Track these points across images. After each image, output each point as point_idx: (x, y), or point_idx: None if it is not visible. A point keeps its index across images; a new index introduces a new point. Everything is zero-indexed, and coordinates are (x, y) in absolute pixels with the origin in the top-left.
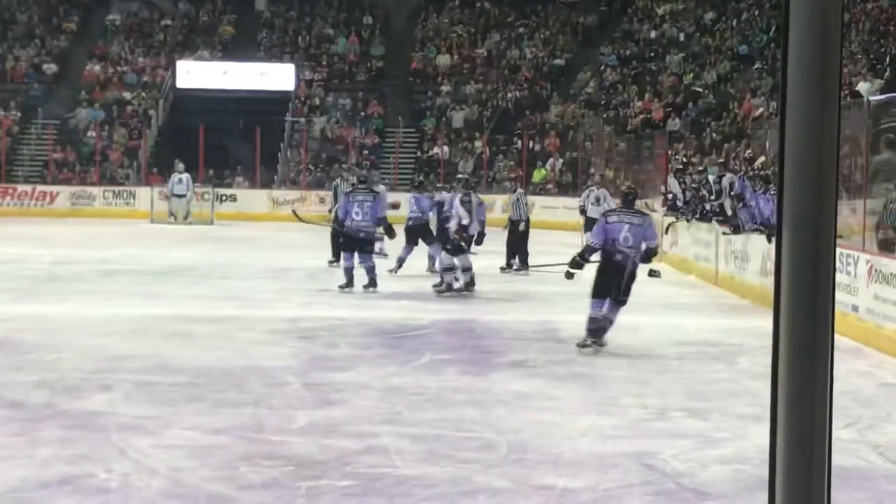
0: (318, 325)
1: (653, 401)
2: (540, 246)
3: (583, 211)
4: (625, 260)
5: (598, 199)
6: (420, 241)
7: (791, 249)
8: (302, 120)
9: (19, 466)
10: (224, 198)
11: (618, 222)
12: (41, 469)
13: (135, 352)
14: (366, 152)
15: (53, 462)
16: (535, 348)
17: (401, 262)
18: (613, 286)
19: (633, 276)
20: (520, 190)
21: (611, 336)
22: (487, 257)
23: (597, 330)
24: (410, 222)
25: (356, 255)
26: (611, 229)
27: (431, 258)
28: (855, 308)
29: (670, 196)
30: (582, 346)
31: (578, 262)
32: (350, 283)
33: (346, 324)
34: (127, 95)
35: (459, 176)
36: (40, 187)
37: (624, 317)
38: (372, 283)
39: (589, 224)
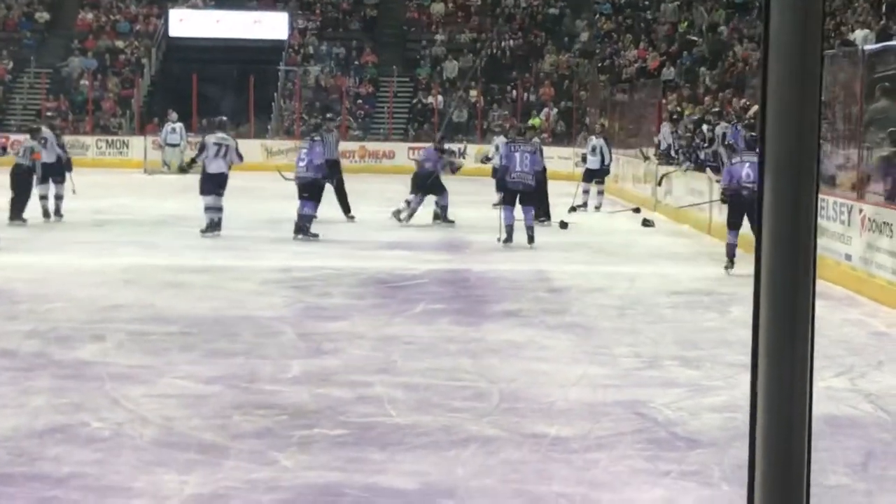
0: (312, 276)
1: (645, 350)
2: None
3: (584, 159)
4: (750, 194)
5: (594, 149)
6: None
7: (773, 197)
8: (296, 69)
9: (11, 416)
10: None
11: (740, 163)
12: (33, 418)
13: (128, 301)
14: (360, 101)
15: (45, 411)
16: (528, 298)
17: (412, 211)
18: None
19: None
20: (536, 140)
21: (604, 285)
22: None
23: (732, 255)
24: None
25: (518, 208)
26: (734, 170)
27: (444, 208)
28: (848, 257)
29: (664, 145)
30: (727, 267)
31: (724, 199)
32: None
33: (340, 273)
34: (120, 44)
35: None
36: None
37: (617, 267)
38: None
39: (588, 175)
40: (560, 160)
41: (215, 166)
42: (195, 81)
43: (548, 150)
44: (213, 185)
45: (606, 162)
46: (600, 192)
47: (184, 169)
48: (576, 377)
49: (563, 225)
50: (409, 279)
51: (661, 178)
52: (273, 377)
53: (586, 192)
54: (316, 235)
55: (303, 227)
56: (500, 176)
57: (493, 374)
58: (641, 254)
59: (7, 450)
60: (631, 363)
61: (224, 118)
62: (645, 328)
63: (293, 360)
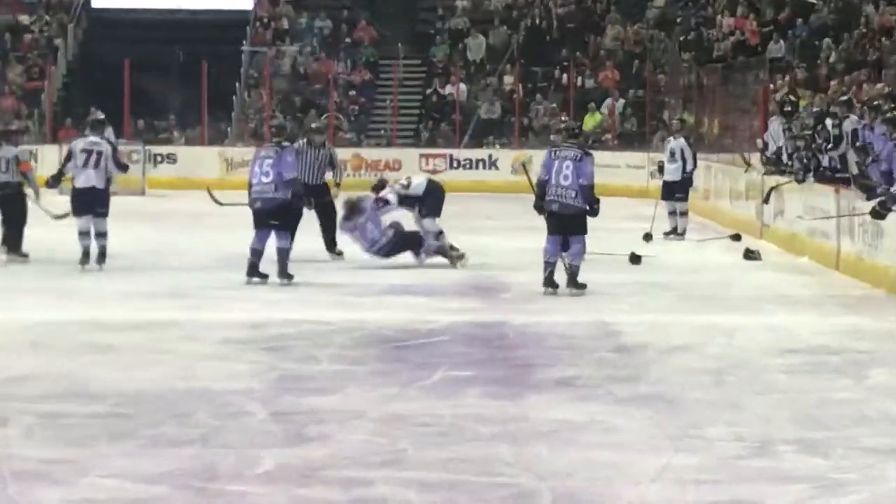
0: (291, 332)
1: (751, 431)
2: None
3: (661, 169)
4: None
5: (672, 153)
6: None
7: None
8: (264, 49)
9: None
10: (159, 158)
11: None
12: None
13: (36, 371)
14: (352, 93)
15: None
16: (588, 361)
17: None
18: None
19: None
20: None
21: (692, 342)
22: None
23: None
24: None
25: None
26: None
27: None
28: None
29: (772, 147)
30: None
31: (879, 211)
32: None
33: (330, 329)
34: (25, 19)
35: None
36: None
37: (710, 316)
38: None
39: (667, 189)
40: (629, 170)
41: (83, 179)
42: (127, 68)
43: (612, 157)
44: (84, 203)
45: (688, 169)
46: (683, 214)
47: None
48: (655, 470)
49: (635, 259)
50: (425, 336)
51: (769, 192)
52: (238, 473)
53: (672, 213)
54: (291, 277)
55: (281, 265)
56: (539, 193)
57: (541, 466)
58: (743, 298)
59: None
60: (731, 450)
61: (100, 116)
62: (750, 401)
63: (265, 450)
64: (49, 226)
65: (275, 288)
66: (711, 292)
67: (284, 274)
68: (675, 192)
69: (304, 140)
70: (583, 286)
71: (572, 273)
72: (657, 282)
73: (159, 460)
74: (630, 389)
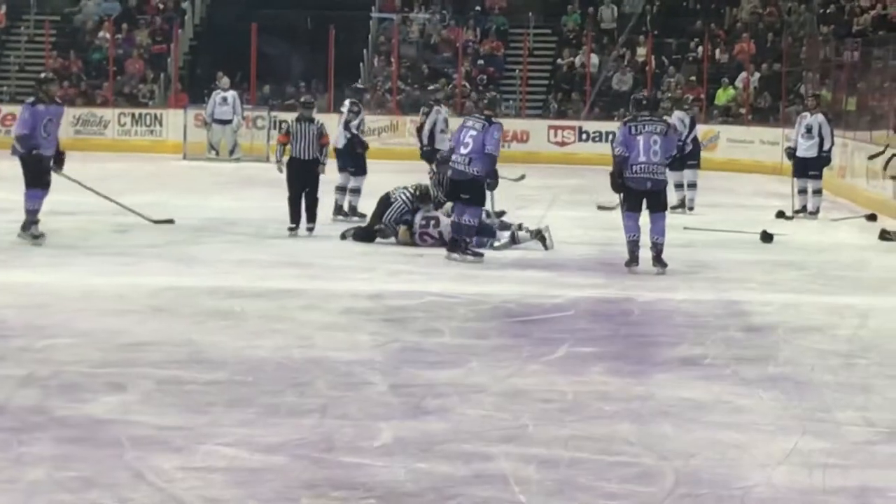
0: (413, 304)
1: (882, 416)
2: (729, 196)
3: (795, 147)
4: None
5: (809, 129)
6: None
7: None
8: (393, 17)
9: None
10: (285, 125)
11: None
12: (28, 497)
13: (157, 338)
14: (481, 62)
15: (45, 488)
16: (715, 340)
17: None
18: None
19: None
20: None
21: (823, 323)
22: None
23: None
24: None
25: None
26: None
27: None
28: None
29: None
30: None
31: None
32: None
33: (452, 302)
34: None
35: None
36: None
37: (842, 297)
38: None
39: (801, 166)
40: (763, 146)
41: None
42: (254, 33)
43: (746, 132)
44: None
45: (826, 147)
46: (817, 192)
47: (238, 157)
48: (783, 453)
49: (767, 237)
50: (548, 310)
51: (889, 159)
52: (355, 446)
53: (803, 191)
54: (480, 255)
55: (459, 240)
56: (616, 170)
57: (664, 446)
58: (877, 279)
59: None
60: (861, 434)
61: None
62: (881, 385)
63: (384, 422)
64: (168, 190)
65: (396, 259)
66: (844, 273)
67: (464, 250)
68: (810, 168)
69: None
70: (665, 265)
71: (658, 251)
72: (789, 261)
73: (277, 429)
74: (758, 370)
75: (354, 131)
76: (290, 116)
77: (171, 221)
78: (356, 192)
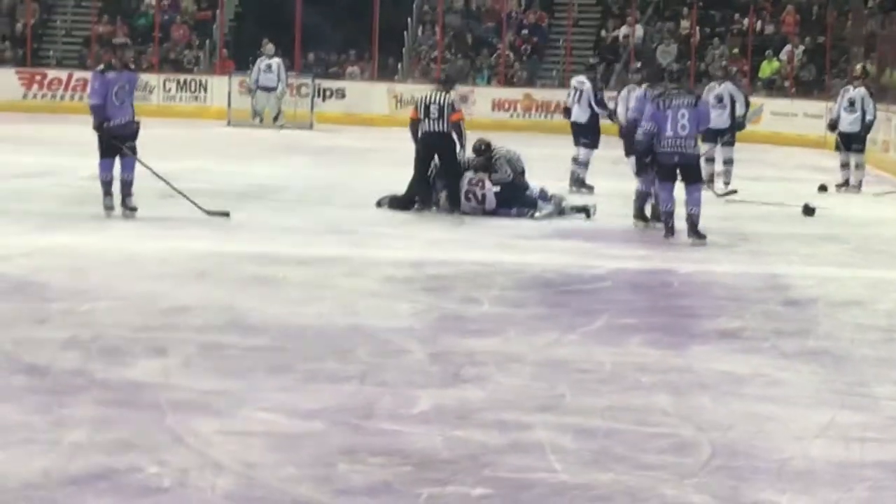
0: (453, 273)
1: None
2: (772, 169)
3: (838, 119)
4: None
5: (851, 103)
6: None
7: None
8: None
9: (39, 455)
10: (329, 93)
11: None
12: (68, 459)
13: (199, 302)
14: (525, 32)
15: (85, 450)
16: (754, 313)
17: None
18: None
19: None
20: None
21: (864, 297)
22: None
23: None
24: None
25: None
26: None
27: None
28: None
29: None
30: None
31: None
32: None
33: (492, 271)
34: None
35: None
36: (78, 74)
37: (884, 272)
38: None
39: (844, 140)
40: (806, 119)
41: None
42: (299, 1)
43: (790, 105)
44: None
45: (868, 120)
46: (859, 166)
47: (282, 124)
48: (820, 426)
49: (809, 211)
50: (588, 281)
51: None
52: (394, 413)
53: (845, 165)
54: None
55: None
56: (645, 144)
57: (701, 417)
58: None
59: (35, 500)
60: None
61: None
62: None
63: (422, 391)
64: (212, 156)
65: (436, 228)
66: (886, 247)
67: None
68: (853, 142)
69: None
70: (703, 236)
71: (693, 222)
72: (830, 235)
73: (316, 395)
74: (797, 344)
75: (609, 106)
76: (332, 84)
77: (226, 214)
78: (585, 165)
